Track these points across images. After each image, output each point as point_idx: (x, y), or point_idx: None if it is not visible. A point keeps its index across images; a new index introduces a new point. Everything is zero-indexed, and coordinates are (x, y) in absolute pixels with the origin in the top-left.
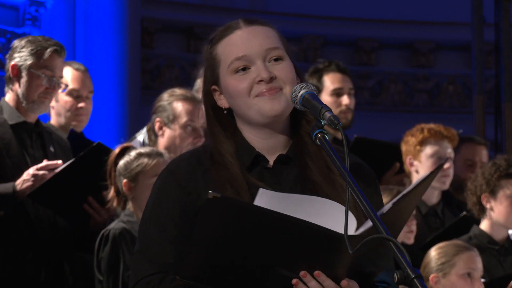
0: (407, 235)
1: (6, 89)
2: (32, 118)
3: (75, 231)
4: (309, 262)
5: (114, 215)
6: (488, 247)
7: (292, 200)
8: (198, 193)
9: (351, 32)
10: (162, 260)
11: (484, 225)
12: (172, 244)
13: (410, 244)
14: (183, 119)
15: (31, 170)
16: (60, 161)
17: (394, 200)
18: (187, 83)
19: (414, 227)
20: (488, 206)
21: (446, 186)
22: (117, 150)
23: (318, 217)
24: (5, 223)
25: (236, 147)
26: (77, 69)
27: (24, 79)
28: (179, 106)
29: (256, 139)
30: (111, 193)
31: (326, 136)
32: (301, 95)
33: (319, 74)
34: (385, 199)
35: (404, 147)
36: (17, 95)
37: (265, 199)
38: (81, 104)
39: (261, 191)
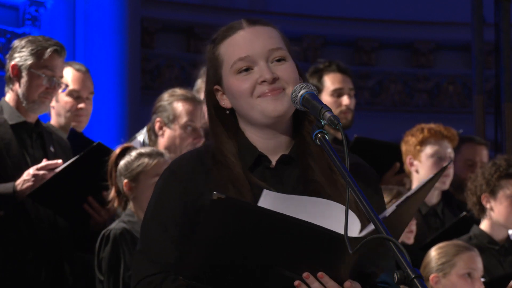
0: (407, 235)
1: (6, 89)
2: (32, 118)
3: (75, 231)
4: (312, 263)
5: (114, 216)
6: (488, 247)
7: (296, 202)
8: (200, 193)
9: (351, 32)
10: (164, 260)
11: (484, 225)
12: (174, 244)
13: (410, 244)
14: (183, 119)
15: (32, 170)
16: (60, 161)
17: (398, 202)
18: (187, 83)
19: (414, 227)
20: (488, 206)
21: (446, 186)
22: (117, 150)
23: (322, 219)
24: (5, 223)
25: (239, 147)
26: (78, 70)
27: (24, 79)
28: (179, 106)
29: (259, 139)
30: (112, 193)
31: (326, 136)
32: (301, 95)
33: (319, 74)
34: (385, 199)
35: (404, 147)
36: (17, 95)
37: (269, 200)
38: (81, 105)
39: (265, 192)
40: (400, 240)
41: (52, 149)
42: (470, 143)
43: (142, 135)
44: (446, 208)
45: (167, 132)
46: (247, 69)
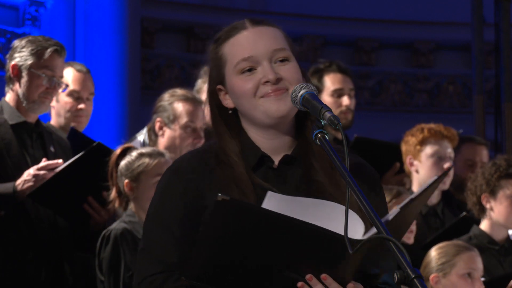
0: (407, 235)
1: (6, 89)
2: (32, 118)
3: (75, 231)
4: (316, 264)
5: (115, 216)
6: (488, 247)
7: (300, 204)
8: (203, 193)
9: (351, 32)
10: (166, 260)
11: (484, 225)
12: (176, 243)
13: (410, 244)
14: (184, 119)
15: (32, 170)
16: (60, 161)
17: (402, 204)
18: (187, 83)
19: (414, 227)
20: (488, 206)
21: (446, 186)
22: (118, 150)
23: (326, 221)
24: (5, 223)
25: (241, 147)
26: (79, 71)
27: (24, 79)
28: (179, 107)
29: (261, 139)
30: (113, 193)
31: (326, 136)
32: (301, 95)
33: (319, 74)
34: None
35: (404, 147)
36: (18, 95)
37: (273, 202)
38: (81, 106)
39: (269, 194)
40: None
41: (52, 149)
42: (470, 143)
43: (142, 135)
44: (446, 208)
45: (167, 132)
46: (250, 69)
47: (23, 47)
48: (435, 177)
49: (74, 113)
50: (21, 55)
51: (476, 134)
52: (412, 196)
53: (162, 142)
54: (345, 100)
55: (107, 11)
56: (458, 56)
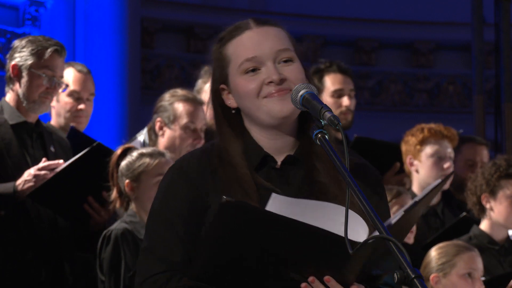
0: (407, 235)
1: (6, 89)
2: (32, 118)
3: (75, 231)
4: (319, 266)
5: (117, 216)
6: (488, 247)
7: (304, 206)
8: (206, 192)
9: (351, 32)
10: (169, 259)
11: (484, 225)
12: (180, 242)
13: (410, 244)
14: (184, 120)
15: (33, 170)
16: (61, 161)
17: (406, 208)
18: (187, 83)
19: (414, 227)
20: (488, 206)
21: (446, 186)
22: (118, 151)
23: (330, 223)
24: (5, 223)
25: (244, 147)
26: (79, 71)
27: (24, 79)
28: (180, 107)
29: (264, 139)
30: (114, 194)
31: (326, 136)
32: (301, 95)
33: (320, 75)
34: None
35: (404, 147)
36: (18, 95)
37: (277, 204)
38: (81, 106)
39: (274, 196)
40: None
41: (52, 149)
42: (471, 143)
43: (142, 135)
44: (446, 208)
45: (167, 132)
46: (254, 70)
47: (23, 47)
48: (439, 181)
49: (74, 113)
50: (21, 55)
51: (476, 134)
52: (416, 199)
53: (162, 142)
54: (345, 101)
55: (107, 11)
56: (458, 56)
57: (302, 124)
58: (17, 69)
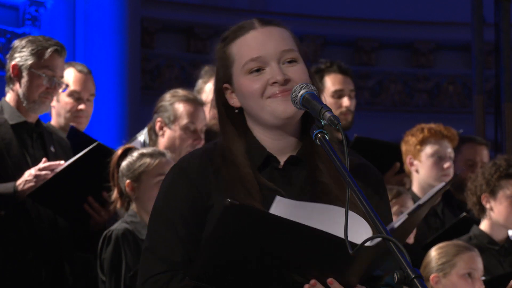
0: None
1: (6, 89)
2: (32, 118)
3: (75, 231)
4: (322, 269)
5: (118, 216)
6: (488, 247)
7: (308, 209)
8: (208, 192)
9: (351, 32)
10: (170, 259)
11: (484, 225)
12: (180, 243)
13: (410, 244)
14: (184, 120)
15: (33, 171)
16: (62, 162)
17: (409, 211)
18: (187, 83)
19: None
20: (488, 206)
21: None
22: (119, 151)
23: (334, 226)
24: (6, 223)
25: (247, 146)
26: (80, 71)
27: (24, 79)
28: (180, 107)
29: (267, 139)
30: (115, 194)
31: (326, 136)
32: (301, 95)
33: (320, 75)
34: None
35: (404, 147)
36: (18, 95)
37: (281, 206)
38: (81, 106)
39: (278, 198)
40: None
41: (52, 149)
42: (471, 143)
43: (142, 136)
44: (446, 208)
45: (167, 133)
46: (258, 70)
47: (23, 47)
48: (443, 184)
49: (74, 113)
50: (21, 55)
51: (476, 134)
52: (420, 202)
53: (162, 142)
54: (345, 101)
55: (107, 11)
56: (458, 56)
57: (305, 124)
58: (17, 69)
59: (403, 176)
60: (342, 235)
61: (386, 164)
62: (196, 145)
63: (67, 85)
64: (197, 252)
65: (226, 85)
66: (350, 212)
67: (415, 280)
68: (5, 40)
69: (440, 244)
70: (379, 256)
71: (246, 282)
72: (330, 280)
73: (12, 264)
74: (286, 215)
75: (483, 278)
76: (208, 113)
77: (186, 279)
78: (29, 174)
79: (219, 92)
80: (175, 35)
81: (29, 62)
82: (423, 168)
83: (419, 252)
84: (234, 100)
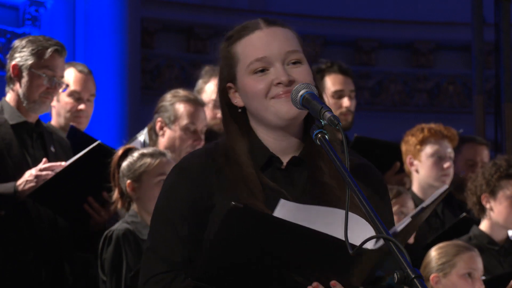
0: None
1: (7, 89)
2: (33, 118)
3: (75, 231)
4: (325, 271)
5: (118, 216)
6: (488, 247)
7: (313, 212)
8: (210, 192)
9: (351, 32)
10: (172, 259)
11: (484, 225)
12: (180, 243)
13: (410, 244)
14: (184, 121)
15: (34, 171)
16: (63, 163)
17: (413, 213)
18: (187, 83)
19: None
20: (488, 206)
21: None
22: (119, 152)
23: (339, 230)
24: (6, 223)
25: (250, 146)
26: (80, 71)
27: (25, 79)
28: (181, 108)
29: (270, 139)
30: (115, 195)
31: (326, 136)
32: (301, 95)
33: (320, 75)
34: None
35: (404, 147)
36: (18, 95)
37: (285, 209)
38: (81, 106)
39: (282, 202)
40: None
41: (52, 149)
42: (471, 143)
43: (143, 136)
44: (446, 208)
45: (168, 133)
46: (262, 70)
47: (23, 47)
48: (446, 186)
49: (74, 113)
50: (21, 55)
51: (476, 134)
52: (424, 204)
53: (162, 142)
54: (345, 102)
55: (107, 11)
56: (458, 56)
57: (308, 125)
58: (18, 69)
59: (403, 175)
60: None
61: (386, 163)
62: (196, 145)
63: (67, 85)
64: (198, 252)
65: (229, 84)
66: (354, 215)
67: (415, 280)
68: (5, 40)
69: (440, 244)
70: (382, 258)
71: (248, 283)
72: (333, 282)
73: (12, 264)
74: (290, 218)
75: (483, 277)
76: (210, 112)
77: (188, 280)
78: (30, 174)
79: (222, 91)
80: (175, 35)
81: (30, 62)
82: (423, 168)
83: (419, 252)
84: (237, 100)
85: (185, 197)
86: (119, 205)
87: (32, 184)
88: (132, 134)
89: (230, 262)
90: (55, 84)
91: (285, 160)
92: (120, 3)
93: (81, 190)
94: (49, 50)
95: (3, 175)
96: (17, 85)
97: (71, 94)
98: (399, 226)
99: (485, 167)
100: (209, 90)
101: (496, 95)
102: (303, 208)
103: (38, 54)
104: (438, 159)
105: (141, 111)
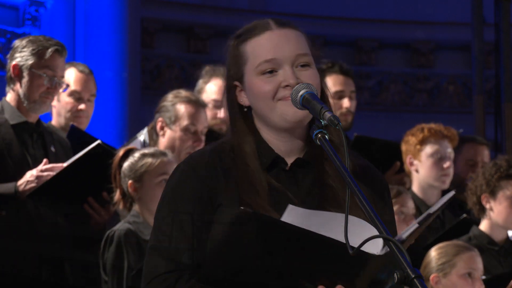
0: None
1: (7, 89)
2: (33, 118)
3: (75, 231)
4: (331, 276)
5: (119, 216)
6: (488, 247)
7: (320, 217)
8: (217, 190)
9: (351, 32)
10: (177, 258)
11: (484, 225)
12: (186, 242)
13: (411, 244)
14: (185, 122)
15: (35, 171)
16: (64, 164)
17: (420, 219)
18: (187, 83)
19: None
20: (487, 206)
21: (446, 185)
22: (120, 153)
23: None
24: (6, 223)
25: (256, 146)
26: (81, 71)
27: (25, 79)
28: (181, 108)
29: (274, 141)
30: (117, 195)
31: (326, 136)
32: (301, 95)
33: (321, 75)
34: None
35: (404, 147)
36: (18, 95)
37: (293, 215)
38: (81, 106)
39: (290, 207)
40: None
41: (53, 149)
42: (472, 143)
43: (143, 135)
44: (447, 209)
45: (168, 133)
46: (271, 71)
47: (24, 47)
48: (452, 192)
49: (74, 113)
50: (22, 55)
51: (476, 134)
52: (430, 211)
53: (163, 142)
54: (346, 102)
55: (107, 11)
56: (458, 56)
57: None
58: (18, 69)
59: (403, 175)
60: (354, 244)
61: (386, 163)
62: (196, 146)
63: (67, 85)
64: (203, 251)
65: (236, 82)
66: (359, 220)
67: (415, 280)
68: (5, 40)
69: (440, 244)
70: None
71: (254, 286)
72: (339, 287)
73: (12, 264)
74: (297, 224)
75: (483, 277)
76: (210, 112)
77: (192, 280)
78: (31, 175)
79: (230, 90)
80: (175, 35)
81: (30, 62)
82: (423, 168)
83: (419, 252)
84: (243, 99)
85: (191, 196)
86: (121, 206)
87: (32, 184)
88: (132, 134)
89: (236, 265)
90: (55, 84)
91: (289, 161)
92: (120, 3)
93: (81, 190)
94: (50, 50)
95: (3, 175)
96: (18, 85)
97: (72, 94)
98: (405, 232)
99: (485, 167)
100: (209, 90)
101: (496, 95)
102: (310, 213)
103: (38, 54)
104: (438, 159)
105: (141, 111)
